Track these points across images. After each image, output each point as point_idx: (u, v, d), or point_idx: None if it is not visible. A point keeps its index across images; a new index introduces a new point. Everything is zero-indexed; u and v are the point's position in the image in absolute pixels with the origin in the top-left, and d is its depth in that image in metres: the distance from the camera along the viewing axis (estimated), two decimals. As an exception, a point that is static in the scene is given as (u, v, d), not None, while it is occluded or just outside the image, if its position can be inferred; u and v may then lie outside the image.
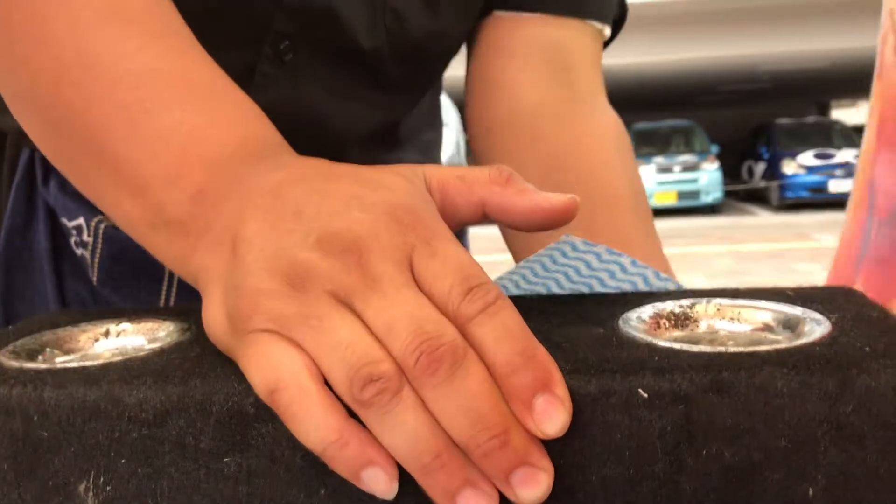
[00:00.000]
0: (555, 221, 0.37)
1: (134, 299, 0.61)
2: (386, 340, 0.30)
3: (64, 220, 0.62)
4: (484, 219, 0.38)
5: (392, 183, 0.36)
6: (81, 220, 0.61)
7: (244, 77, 0.58)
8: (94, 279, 0.62)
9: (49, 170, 0.61)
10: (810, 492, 0.31)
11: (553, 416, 0.30)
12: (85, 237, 0.62)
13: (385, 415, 0.30)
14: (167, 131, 0.40)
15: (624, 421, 0.32)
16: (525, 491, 0.30)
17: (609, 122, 0.66)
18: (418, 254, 0.32)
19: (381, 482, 0.30)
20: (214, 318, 0.35)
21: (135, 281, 0.61)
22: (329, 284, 0.32)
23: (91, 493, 0.34)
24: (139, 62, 0.41)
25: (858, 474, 0.31)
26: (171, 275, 0.61)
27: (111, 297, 0.62)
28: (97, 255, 0.61)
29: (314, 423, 0.31)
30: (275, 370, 0.31)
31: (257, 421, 0.33)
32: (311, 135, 0.53)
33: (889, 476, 0.31)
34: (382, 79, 0.64)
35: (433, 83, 0.72)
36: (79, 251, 0.62)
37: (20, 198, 0.62)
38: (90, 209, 0.60)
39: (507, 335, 0.31)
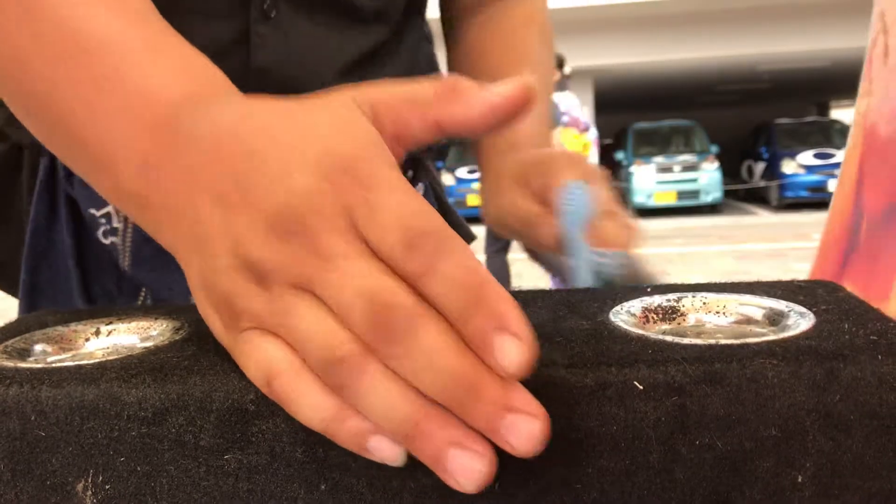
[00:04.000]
0: (514, 113, 0.36)
1: (166, 281, 0.62)
2: (346, 319, 0.31)
3: (92, 211, 0.63)
4: (442, 136, 0.37)
5: (329, 125, 0.35)
6: (110, 208, 0.63)
7: (241, 41, 0.60)
8: (127, 264, 0.63)
9: None
10: (799, 479, 0.32)
11: (510, 352, 0.29)
12: (115, 223, 0.63)
13: (357, 393, 0.30)
14: (121, 103, 0.40)
15: (619, 413, 0.32)
16: (517, 439, 0.29)
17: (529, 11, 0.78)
18: (359, 216, 0.32)
19: (386, 449, 0.31)
20: (209, 317, 0.37)
21: (166, 263, 0.60)
22: (288, 277, 0.32)
23: (90, 492, 0.34)
24: (89, 31, 0.42)
25: (845, 461, 0.32)
26: None
27: (145, 280, 0.63)
28: (128, 240, 0.63)
29: (311, 404, 0.31)
30: (267, 362, 0.33)
31: (257, 417, 0.33)
32: (309, 86, 0.53)
33: (875, 463, 0.31)
34: (357, 13, 0.66)
35: (409, 10, 0.73)
36: (108, 240, 0.64)
37: (42, 200, 0.64)
38: None
39: (453, 286, 0.30)
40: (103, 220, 0.63)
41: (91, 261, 0.64)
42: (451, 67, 0.80)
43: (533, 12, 0.79)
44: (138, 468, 0.34)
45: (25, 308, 0.64)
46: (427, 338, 0.29)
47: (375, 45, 0.69)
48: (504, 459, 0.33)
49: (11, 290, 0.70)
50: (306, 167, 0.33)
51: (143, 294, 0.65)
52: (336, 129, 0.34)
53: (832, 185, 12.22)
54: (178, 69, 0.42)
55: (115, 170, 0.40)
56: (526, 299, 0.44)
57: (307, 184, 0.33)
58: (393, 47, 0.71)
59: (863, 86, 0.73)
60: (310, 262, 0.32)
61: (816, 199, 12.34)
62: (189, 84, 0.41)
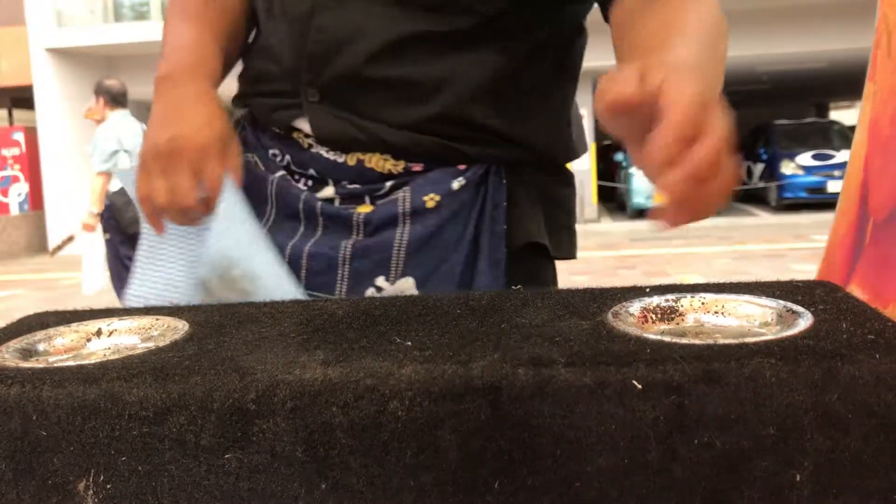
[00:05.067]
0: None
1: None
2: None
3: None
4: None
5: (207, 118, 0.75)
6: (249, 156, 0.88)
7: (311, 12, 0.78)
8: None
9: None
10: (798, 477, 0.32)
11: None
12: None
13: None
14: (167, 55, 0.82)
15: (618, 412, 0.32)
16: None
17: None
18: (201, 164, 0.71)
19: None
20: (143, 167, 0.72)
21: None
22: (168, 165, 0.70)
23: (91, 492, 0.35)
24: (172, 32, 0.84)
25: (843, 460, 0.32)
26: None
27: None
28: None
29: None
30: (153, 189, 0.70)
31: (258, 417, 0.34)
32: (356, 49, 0.74)
33: (873, 461, 0.32)
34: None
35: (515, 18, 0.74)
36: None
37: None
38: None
39: None
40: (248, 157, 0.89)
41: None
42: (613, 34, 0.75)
43: None
44: (139, 467, 0.34)
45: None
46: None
47: (426, 32, 0.71)
48: (504, 458, 0.33)
49: None
50: (189, 132, 0.72)
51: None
52: (209, 120, 0.74)
53: (831, 185, 12.20)
54: (173, 54, 0.82)
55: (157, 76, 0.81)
56: (525, 299, 0.44)
57: (183, 138, 0.72)
58: (462, 43, 0.72)
59: (867, 87, 0.73)
60: (177, 165, 0.69)
61: (815, 200, 12.30)
62: (170, 66, 0.80)
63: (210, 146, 0.72)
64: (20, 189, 10.58)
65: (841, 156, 12.74)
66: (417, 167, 0.74)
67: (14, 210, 10.53)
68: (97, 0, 10.66)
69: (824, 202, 12.12)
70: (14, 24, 10.64)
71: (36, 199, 10.54)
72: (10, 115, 12.98)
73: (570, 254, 0.83)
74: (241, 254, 0.73)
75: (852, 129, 0.75)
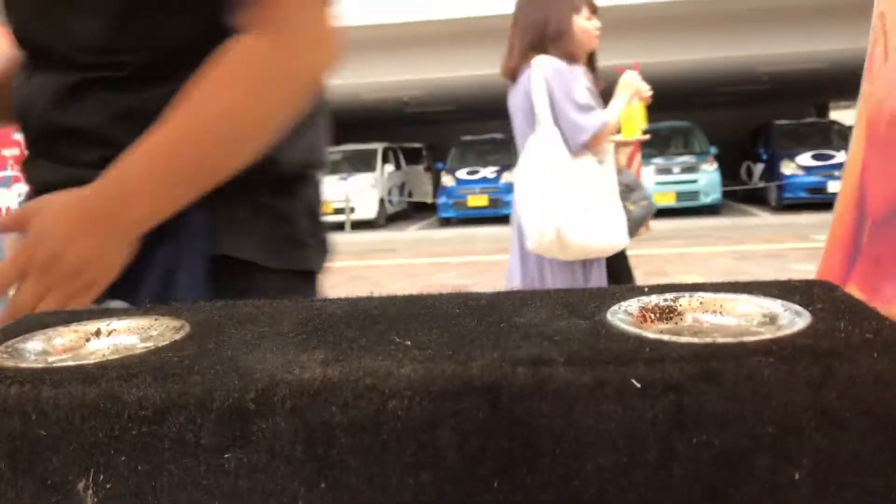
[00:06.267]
0: None
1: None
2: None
3: None
4: None
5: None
6: None
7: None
8: None
9: None
10: (796, 476, 0.32)
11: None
12: None
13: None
14: None
15: (617, 410, 0.32)
16: None
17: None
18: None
19: None
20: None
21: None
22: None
23: (90, 491, 0.35)
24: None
25: (842, 458, 0.32)
26: None
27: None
28: None
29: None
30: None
31: (258, 416, 0.34)
32: (34, 109, 0.85)
33: (871, 460, 0.32)
34: (59, 62, 0.83)
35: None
36: None
37: None
38: None
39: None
40: None
41: None
42: None
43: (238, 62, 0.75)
44: (139, 467, 0.34)
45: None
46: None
47: (62, 86, 0.82)
48: (503, 457, 0.33)
49: None
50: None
51: None
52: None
53: (831, 186, 12.20)
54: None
55: None
56: (524, 299, 0.44)
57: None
58: (89, 92, 0.81)
59: (864, 87, 0.73)
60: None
61: (815, 200, 12.30)
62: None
63: None
64: (20, 189, 10.60)
65: (841, 156, 12.74)
66: None
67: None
68: (97, 0, 10.65)
69: (825, 202, 12.12)
70: (14, 25, 10.64)
71: (36, 199, 10.56)
72: (10, 115, 13.01)
73: (306, 265, 0.87)
74: None
75: (852, 129, 0.75)
